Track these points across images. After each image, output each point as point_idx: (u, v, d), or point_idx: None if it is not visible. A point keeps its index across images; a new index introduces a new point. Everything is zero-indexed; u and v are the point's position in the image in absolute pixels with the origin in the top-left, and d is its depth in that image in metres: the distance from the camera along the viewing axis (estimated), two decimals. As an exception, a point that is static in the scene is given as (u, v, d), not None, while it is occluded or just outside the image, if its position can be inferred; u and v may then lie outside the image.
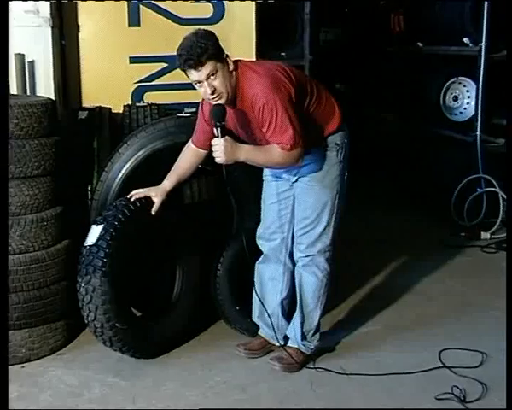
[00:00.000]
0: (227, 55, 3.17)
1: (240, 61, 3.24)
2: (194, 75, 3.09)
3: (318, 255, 3.48)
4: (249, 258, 3.56)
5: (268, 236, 3.61)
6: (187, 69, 3.09)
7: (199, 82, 3.11)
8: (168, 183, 3.50)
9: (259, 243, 3.66)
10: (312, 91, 3.33)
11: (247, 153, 3.18)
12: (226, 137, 3.15)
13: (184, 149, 3.52)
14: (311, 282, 3.52)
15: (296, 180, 3.44)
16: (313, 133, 3.32)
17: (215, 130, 3.17)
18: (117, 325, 3.36)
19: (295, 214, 3.50)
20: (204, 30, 3.17)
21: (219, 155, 3.14)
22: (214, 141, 3.16)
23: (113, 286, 3.32)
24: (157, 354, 3.61)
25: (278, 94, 3.10)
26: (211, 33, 3.15)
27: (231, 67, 3.16)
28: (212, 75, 3.08)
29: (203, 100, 3.33)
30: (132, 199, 3.47)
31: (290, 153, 3.14)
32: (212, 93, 3.11)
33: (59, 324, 3.65)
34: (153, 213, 3.46)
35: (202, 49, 3.04)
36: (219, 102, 3.15)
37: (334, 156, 3.39)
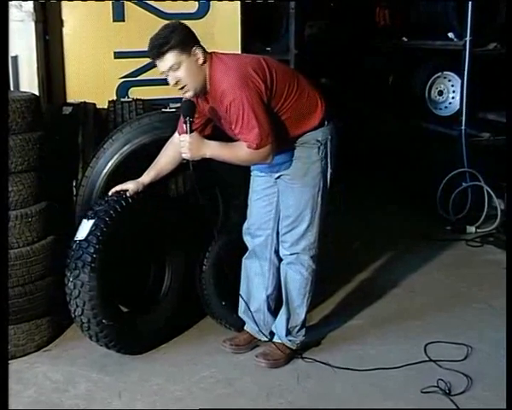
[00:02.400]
0: (196, 48, 3.16)
1: (213, 53, 3.23)
2: (159, 66, 3.16)
3: (303, 253, 3.48)
4: (235, 253, 3.58)
5: (253, 232, 3.62)
6: (152, 60, 3.16)
7: (164, 73, 3.15)
8: (147, 177, 3.50)
9: (245, 238, 3.66)
10: (292, 85, 3.29)
11: (212, 149, 3.20)
12: (193, 133, 3.18)
13: (169, 141, 3.51)
14: (297, 279, 3.52)
15: (278, 177, 3.43)
16: (292, 129, 3.30)
17: (184, 125, 3.21)
18: (104, 321, 3.36)
19: (279, 212, 3.51)
20: (174, 22, 3.23)
21: (185, 151, 3.19)
22: (181, 137, 3.22)
23: (101, 282, 3.32)
24: (143, 350, 3.62)
25: (246, 90, 3.08)
26: (179, 25, 3.18)
27: (201, 60, 3.16)
28: (176, 67, 3.11)
29: None
30: (110, 194, 3.49)
31: (257, 151, 3.13)
32: (176, 84, 3.14)
33: (44, 320, 3.64)
34: (127, 195, 3.45)
35: (164, 39, 3.09)
36: (187, 95, 3.18)
37: (316, 153, 3.35)
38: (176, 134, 3.47)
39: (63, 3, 4.47)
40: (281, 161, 3.34)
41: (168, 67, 3.11)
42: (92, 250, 3.32)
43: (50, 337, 3.71)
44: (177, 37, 3.10)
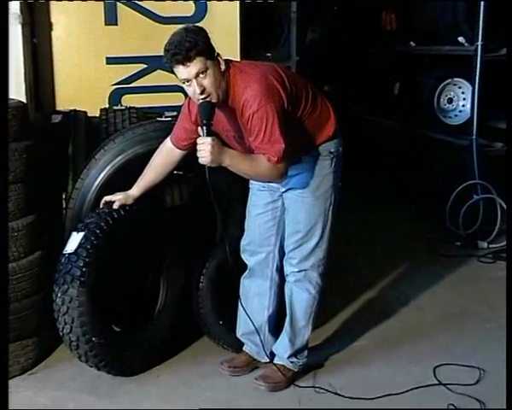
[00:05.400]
0: (218, 54, 3.11)
1: (232, 61, 3.20)
2: (182, 72, 3.03)
3: (311, 270, 3.47)
4: (233, 269, 3.58)
5: (253, 249, 3.60)
6: (174, 65, 3.02)
7: (187, 81, 3.04)
8: (136, 189, 3.50)
9: (244, 256, 3.64)
10: (307, 95, 3.29)
11: (232, 157, 3.11)
12: (213, 137, 3.08)
13: (158, 150, 3.50)
14: (304, 298, 3.51)
15: (286, 191, 3.41)
16: (306, 140, 3.29)
17: (201, 128, 3.11)
18: (93, 339, 3.35)
19: (286, 227, 3.48)
20: (194, 26, 3.13)
21: (205, 155, 3.03)
22: (200, 139, 3.07)
23: (91, 297, 3.32)
24: (136, 371, 3.61)
25: (270, 102, 3.04)
26: (201, 29, 3.09)
27: (223, 67, 3.10)
28: (202, 73, 3.01)
29: (190, 98, 3.26)
30: (101, 205, 3.50)
31: (276, 166, 3.08)
32: (201, 93, 3.04)
33: (30, 341, 3.63)
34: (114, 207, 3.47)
35: (191, 43, 2.97)
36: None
37: (328, 166, 3.36)
38: (167, 141, 3.46)
39: (52, 6, 4.47)
40: (291, 174, 3.30)
41: (194, 73, 3.00)
42: (81, 264, 3.31)
43: (37, 359, 3.70)
44: (203, 40, 3.03)
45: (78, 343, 3.36)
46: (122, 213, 3.47)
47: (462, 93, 6.57)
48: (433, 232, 5.96)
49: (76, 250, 3.34)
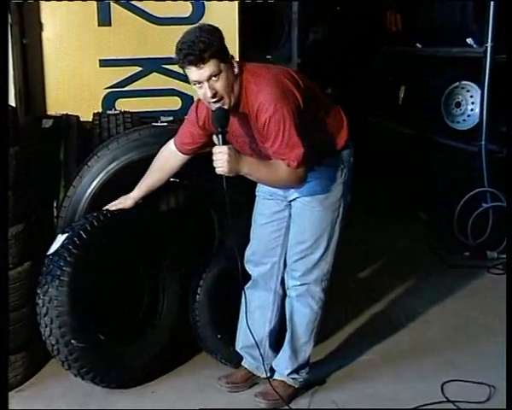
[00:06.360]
0: (232, 57, 3.08)
1: (245, 64, 3.17)
2: (194, 74, 2.99)
3: (314, 284, 3.45)
4: (231, 280, 3.56)
5: (258, 259, 3.57)
6: (186, 66, 2.99)
7: (198, 83, 3.01)
8: (137, 191, 3.52)
9: (248, 267, 3.61)
10: (321, 101, 3.29)
11: (250, 165, 3.07)
12: (230, 145, 3.05)
13: (160, 153, 3.50)
14: (305, 314, 3.49)
15: (294, 199, 3.39)
16: (319, 148, 3.26)
17: (215, 137, 3.10)
18: (72, 341, 3.33)
19: (291, 237, 3.46)
20: (209, 25, 3.08)
21: (222, 165, 2.99)
22: (217, 148, 3.03)
23: (71, 298, 3.31)
24: (125, 385, 3.57)
25: (286, 105, 3.02)
26: (216, 29, 3.05)
27: (236, 70, 3.07)
28: (215, 76, 2.98)
29: (199, 101, 3.25)
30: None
31: (296, 171, 3.07)
32: (213, 96, 3.01)
33: (19, 356, 3.60)
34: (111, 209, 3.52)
35: (206, 44, 2.94)
36: (219, 106, 3.06)
37: (339, 176, 3.36)
38: (170, 143, 3.46)
39: (43, 5, 4.44)
40: None
41: (207, 76, 2.97)
42: (62, 263, 3.33)
43: (25, 375, 3.67)
44: (218, 41, 3.00)
45: (58, 347, 3.35)
46: (109, 215, 3.49)
47: (471, 97, 6.55)
48: (440, 241, 5.94)
49: (57, 250, 3.39)
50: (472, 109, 6.52)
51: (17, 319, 3.52)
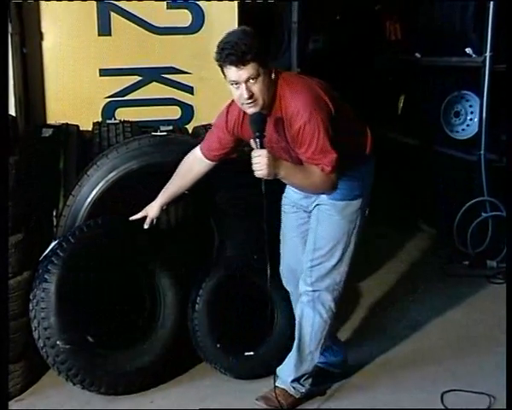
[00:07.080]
0: (270, 61, 3.15)
1: (280, 72, 3.24)
2: (233, 74, 3.05)
3: (325, 292, 3.47)
4: (230, 289, 3.57)
5: (291, 273, 3.63)
6: (227, 65, 3.05)
7: (236, 83, 3.07)
8: (160, 199, 3.57)
9: (284, 281, 3.70)
10: (347, 111, 3.35)
11: (287, 169, 3.15)
12: (266, 150, 3.11)
13: (184, 160, 3.53)
14: (315, 321, 3.50)
15: (314, 207, 3.44)
16: (349, 153, 3.29)
17: (253, 141, 3.16)
18: (58, 342, 3.35)
19: (308, 243, 3.49)
20: (248, 28, 3.17)
21: (261, 168, 3.06)
22: (255, 152, 3.09)
23: (57, 299, 3.34)
24: (118, 392, 3.56)
25: (320, 112, 3.10)
26: (255, 33, 3.13)
27: (273, 76, 3.15)
28: (253, 79, 3.05)
29: (229, 106, 3.33)
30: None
31: (330, 176, 3.14)
32: (249, 98, 3.07)
33: (18, 366, 3.60)
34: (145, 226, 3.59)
35: (248, 47, 3.01)
36: (253, 109, 3.12)
37: (360, 187, 3.39)
38: (196, 150, 3.49)
39: (43, 14, 4.47)
40: None
41: (246, 77, 3.04)
42: (49, 266, 3.39)
43: (24, 385, 3.66)
44: (259, 45, 3.07)
45: (47, 350, 3.39)
46: (99, 222, 3.55)
47: (470, 106, 6.55)
48: (440, 251, 5.95)
49: (46, 255, 3.47)
50: (471, 119, 6.51)
51: (16, 328, 3.52)
